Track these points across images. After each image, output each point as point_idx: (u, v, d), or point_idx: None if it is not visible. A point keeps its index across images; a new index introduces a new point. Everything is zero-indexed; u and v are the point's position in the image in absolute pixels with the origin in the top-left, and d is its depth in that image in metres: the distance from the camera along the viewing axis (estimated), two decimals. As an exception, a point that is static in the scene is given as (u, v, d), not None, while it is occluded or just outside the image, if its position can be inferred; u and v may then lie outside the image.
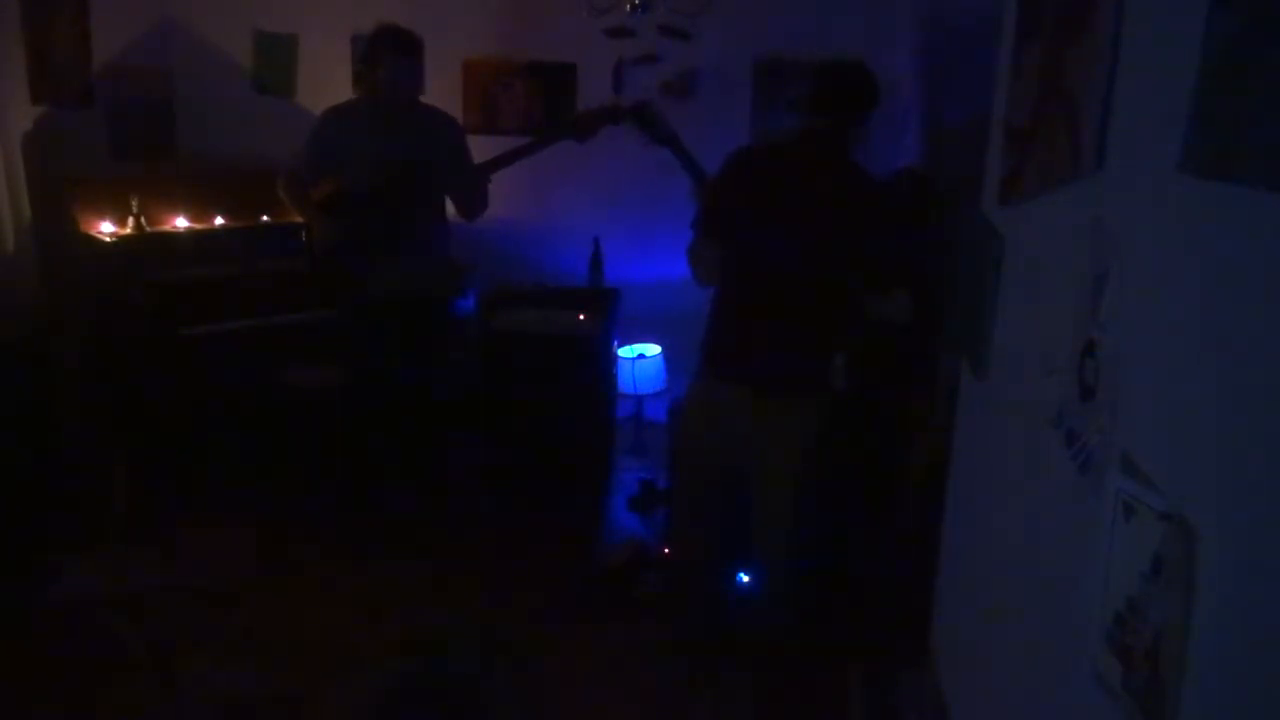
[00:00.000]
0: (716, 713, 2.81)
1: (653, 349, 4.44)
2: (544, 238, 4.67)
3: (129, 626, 2.78)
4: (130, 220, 4.04)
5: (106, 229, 4.02)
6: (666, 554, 3.16)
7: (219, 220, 4.29)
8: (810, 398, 2.72)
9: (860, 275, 2.69)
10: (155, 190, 4.17)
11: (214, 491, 3.86)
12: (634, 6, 4.01)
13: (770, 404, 2.68)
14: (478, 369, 4.13)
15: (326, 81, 4.55)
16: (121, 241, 3.99)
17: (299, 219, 3.69)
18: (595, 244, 4.44)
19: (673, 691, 2.85)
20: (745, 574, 3.34)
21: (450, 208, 3.69)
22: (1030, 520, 1.58)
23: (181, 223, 4.21)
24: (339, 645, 3.02)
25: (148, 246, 4.04)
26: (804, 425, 2.71)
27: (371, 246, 3.46)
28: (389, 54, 3.38)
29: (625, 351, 4.45)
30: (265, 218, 4.34)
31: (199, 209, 4.27)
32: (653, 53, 4.29)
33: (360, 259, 3.48)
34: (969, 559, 2.15)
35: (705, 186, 2.76)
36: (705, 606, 3.03)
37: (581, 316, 4.11)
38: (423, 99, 3.77)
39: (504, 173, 3.56)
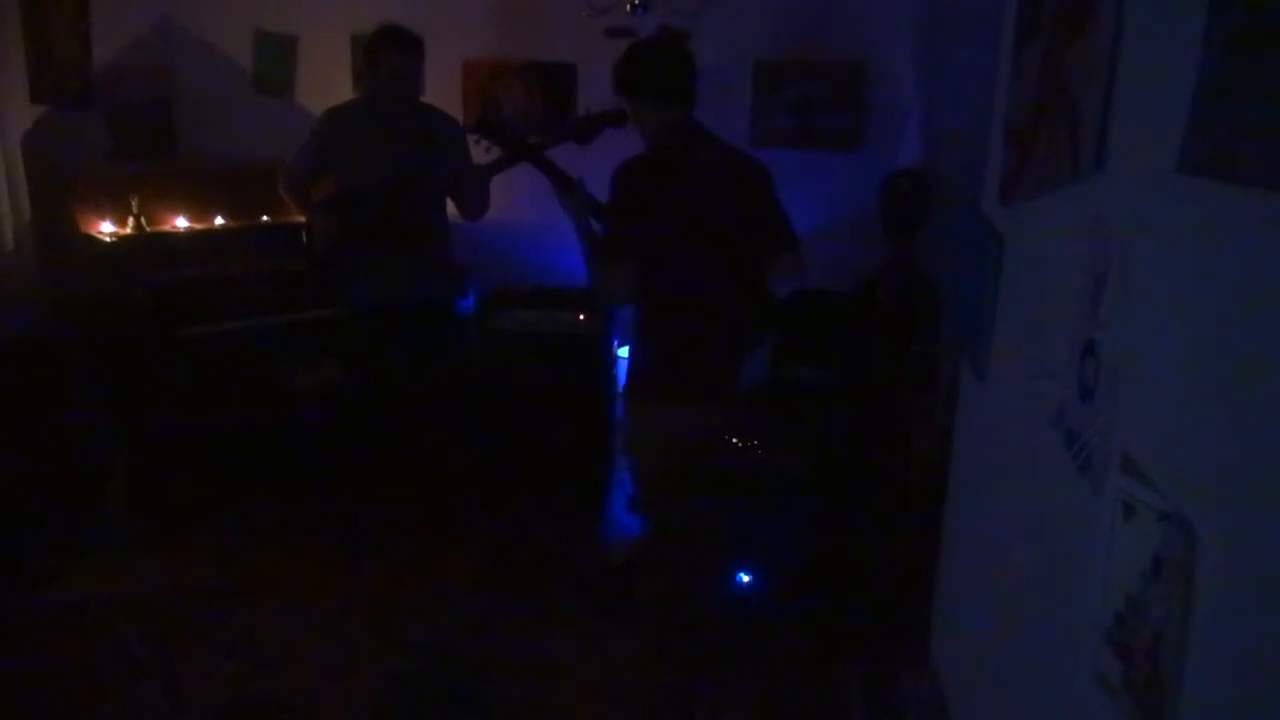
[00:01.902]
0: (717, 713, 2.81)
1: (653, 349, 4.43)
2: (544, 238, 4.66)
3: (129, 626, 2.78)
4: (130, 220, 4.04)
5: (106, 229, 4.02)
6: (654, 564, 3.14)
7: (219, 220, 4.29)
8: (737, 392, 2.77)
9: (764, 248, 2.70)
10: (155, 190, 4.17)
11: (214, 491, 3.86)
12: (634, 6, 4.00)
13: (720, 408, 2.72)
14: (478, 369, 4.12)
15: (326, 81, 4.55)
16: (121, 241, 3.99)
17: (299, 219, 3.68)
18: (595, 244, 4.44)
19: (674, 691, 2.85)
20: (744, 574, 3.34)
21: (450, 208, 3.69)
22: (1030, 520, 1.58)
23: (181, 223, 4.21)
24: (339, 645, 3.01)
25: (148, 246, 4.04)
26: (739, 419, 2.77)
27: (372, 247, 3.46)
28: (389, 53, 3.38)
29: (625, 351, 4.45)
30: (265, 218, 4.34)
31: (199, 209, 4.27)
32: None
33: (361, 259, 3.48)
34: (969, 559, 2.15)
35: (606, 209, 2.64)
36: (704, 611, 3.04)
37: (581, 316, 4.11)
38: (423, 99, 3.77)
39: (504, 173, 3.56)
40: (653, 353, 2.67)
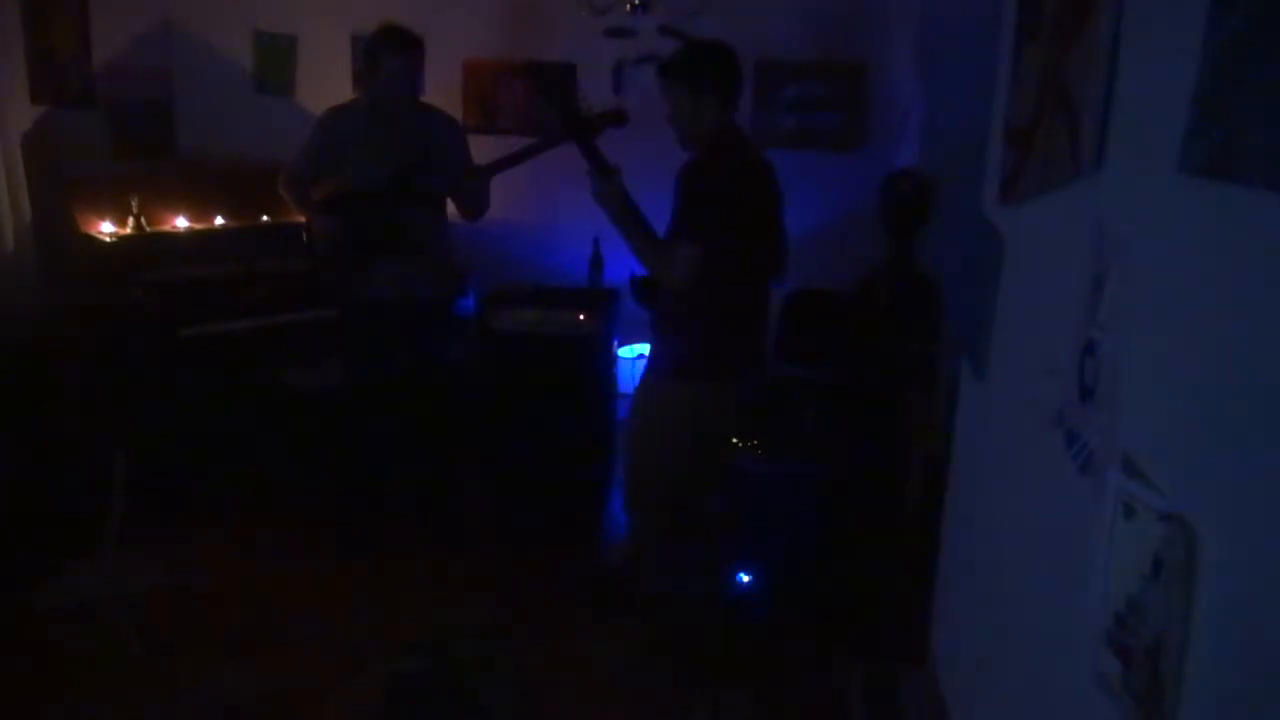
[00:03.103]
0: (717, 713, 2.81)
1: (653, 349, 4.43)
2: (544, 238, 4.67)
3: (129, 626, 2.78)
4: (130, 220, 4.04)
5: (106, 229, 4.02)
6: (654, 565, 3.14)
7: (219, 220, 4.29)
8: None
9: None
10: (155, 190, 4.17)
11: (214, 491, 3.86)
12: (634, 6, 4.00)
13: (755, 381, 3.07)
14: (478, 369, 4.12)
15: (326, 81, 4.55)
16: (121, 241, 3.99)
17: (299, 219, 3.68)
18: (595, 244, 4.44)
19: (673, 692, 2.85)
20: (744, 574, 3.34)
21: (451, 208, 3.69)
22: (1030, 520, 1.58)
23: (181, 223, 4.21)
24: (339, 645, 3.01)
25: (148, 246, 4.03)
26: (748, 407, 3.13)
27: (372, 246, 3.46)
28: (389, 54, 3.38)
29: (625, 351, 4.44)
30: (265, 218, 4.34)
31: (199, 209, 4.27)
32: (653, 53, 4.29)
33: (361, 259, 3.48)
34: (969, 559, 2.15)
35: (697, 200, 2.77)
36: (703, 611, 3.04)
37: (581, 316, 4.11)
38: (423, 99, 3.77)
39: (504, 173, 3.56)
40: (723, 334, 2.84)
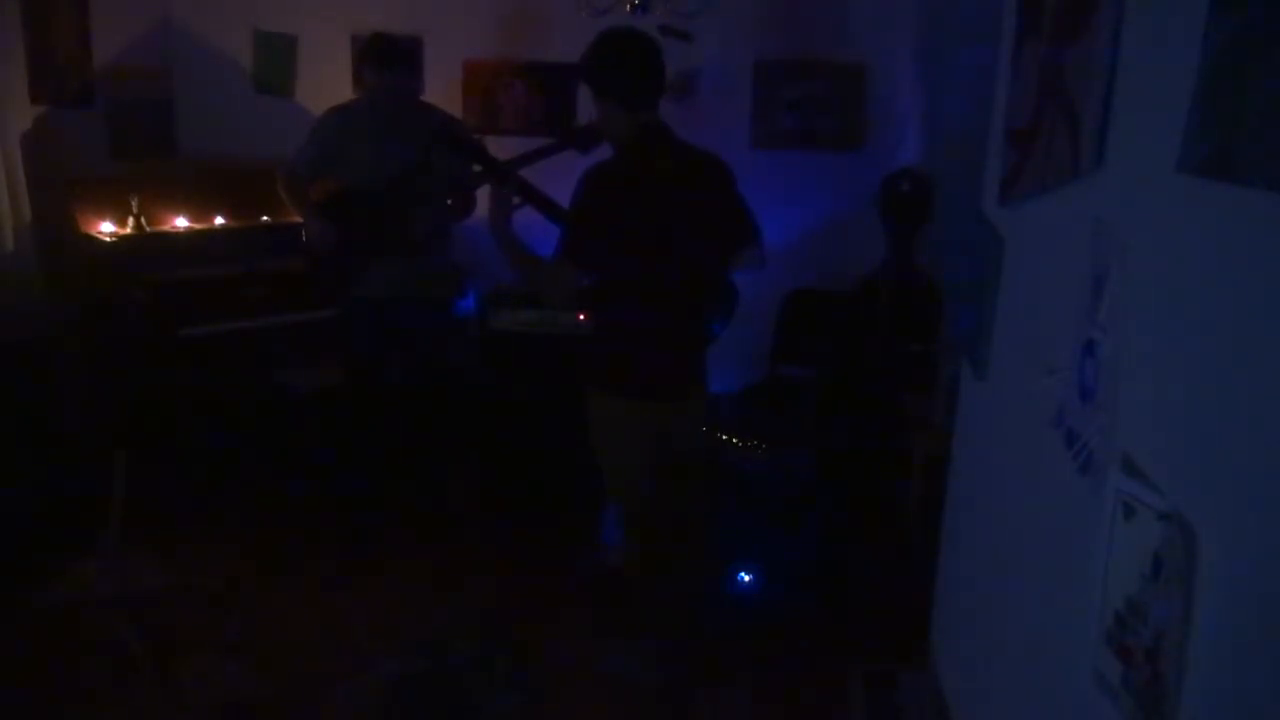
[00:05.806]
0: (717, 713, 2.81)
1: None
2: (544, 238, 4.66)
3: (129, 626, 2.78)
4: (130, 220, 4.04)
5: (106, 229, 4.02)
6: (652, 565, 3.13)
7: (219, 220, 4.29)
8: (706, 380, 2.82)
9: (726, 241, 2.70)
10: (155, 190, 4.17)
11: (213, 492, 3.86)
12: (634, 6, 3.99)
13: (685, 404, 2.75)
14: (478, 369, 4.12)
15: (326, 81, 4.55)
16: (121, 241, 3.99)
17: (299, 219, 3.69)
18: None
19: (673, 692, 2.85)
20: (744, 573, 3.34)
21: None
22: (1030, 520, 1.58)
23: (181, 223, 4.21)
24: (339, 645, 3.01)
25: (148, 246, 4.03)
26: (706, 407, 2.83)
27: (371, 247, 3.46)
28: (372, 71, 3.41)
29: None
30: (265, 218, 4.34)
31: (199, 209, 4.27)
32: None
33: (359, 259, 3.48)
34: (969, 559, 2.16)
35: (570, 214, 2.62)
36: (703, 611, 3.04)
37: (581, 316, 4.11)
38: (424, 99, 3.76)
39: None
40: (614, 355, 2.68)
